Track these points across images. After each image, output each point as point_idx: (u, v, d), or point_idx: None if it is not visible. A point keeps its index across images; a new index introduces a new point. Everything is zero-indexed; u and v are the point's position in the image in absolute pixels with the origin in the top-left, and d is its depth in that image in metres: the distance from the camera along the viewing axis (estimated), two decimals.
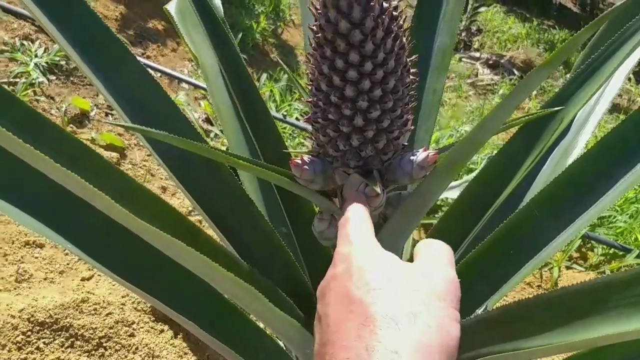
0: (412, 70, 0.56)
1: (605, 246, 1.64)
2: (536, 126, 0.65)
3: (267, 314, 0.55)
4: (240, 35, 2.45)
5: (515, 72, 3.32)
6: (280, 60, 1.70)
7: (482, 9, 3.57)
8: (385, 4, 0.50)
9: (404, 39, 0.53)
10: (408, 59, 0.55)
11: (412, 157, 0.56)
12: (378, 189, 0.52)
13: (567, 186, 0.63)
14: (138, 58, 0.75)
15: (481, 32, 3.70)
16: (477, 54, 3.44)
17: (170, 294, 0.64)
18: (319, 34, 0.51)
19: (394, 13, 0.51)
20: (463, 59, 3.36)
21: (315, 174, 0.57)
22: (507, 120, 0.58)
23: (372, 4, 0.48)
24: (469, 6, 3.44)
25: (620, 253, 1.62)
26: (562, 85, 0.64)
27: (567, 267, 1.63)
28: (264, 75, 2.32)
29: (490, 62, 3.34)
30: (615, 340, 0.45)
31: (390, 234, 0.59)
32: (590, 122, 0.83)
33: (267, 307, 0.51)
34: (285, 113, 2.06)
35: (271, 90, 2.21)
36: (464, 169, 1.88)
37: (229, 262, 0.62)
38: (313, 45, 0.53)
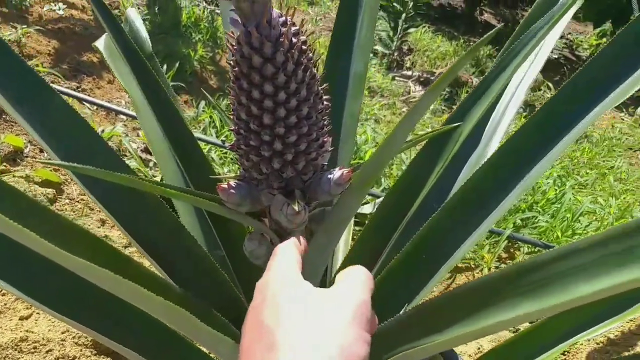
0: (325, 97, 0.61)
1: (530, 245, 1.75)
2: (441, 141, 0.72)
3: (199, 333, 0.57)
4: (177, 64, 2.47)
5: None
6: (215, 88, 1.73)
7: (412, 29, 3.76)
8: (294, 40, 0.55)
9: (314, 70, 0.59)
10: (320, 87, 0.60)
11: (329, 176, 0.61)
12: (296, 207, 0.56)
13: (472, 192, 0.70)
14: (73, 92, 0.77)
15: (412, 51, 3.88)
16: (409, 72, 3.60)
17: (112, 325, 0.65)
18: (236, 68, 0.56)
19: (303, 47, 0.56)
20: (396, 78, 3.51)
21: (242, 197, 0.61)
22: (412, 137, 0.64)
23: (281, 40, 0.53)
24: (399, 27, 3.61)
25: (544, 251, 1.73)
26: (459, 103, 0.72)
27: (497, 268, 1.73)
28: (203, 102, 2.34)
29: (422, 79, 3.50)
30: (510, 325, 0.51)
31: (316, 247, 0.63)
32: (497, 134, 0.92)
33: (198, 326, 0.53)
34: (224, 139, 2.09)
35: (211, 117, 2.24)
36: None
37: (160, 287, 0.64)
38: (232, 78, 0.57)
